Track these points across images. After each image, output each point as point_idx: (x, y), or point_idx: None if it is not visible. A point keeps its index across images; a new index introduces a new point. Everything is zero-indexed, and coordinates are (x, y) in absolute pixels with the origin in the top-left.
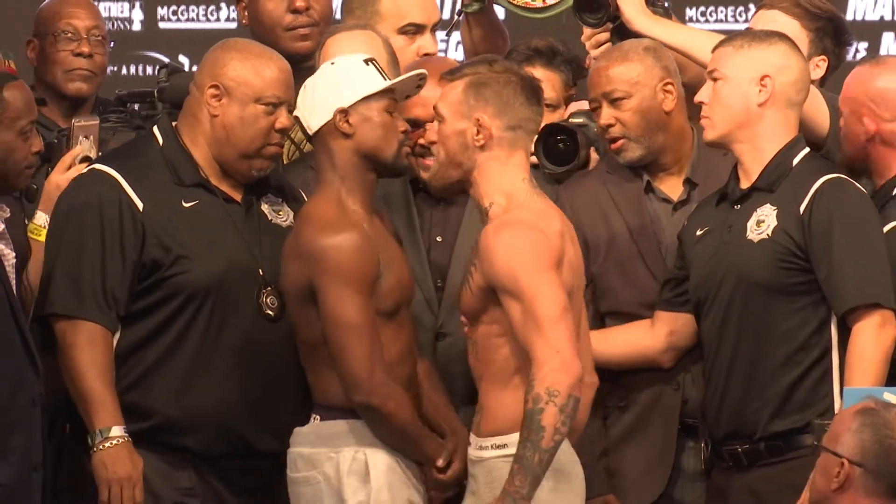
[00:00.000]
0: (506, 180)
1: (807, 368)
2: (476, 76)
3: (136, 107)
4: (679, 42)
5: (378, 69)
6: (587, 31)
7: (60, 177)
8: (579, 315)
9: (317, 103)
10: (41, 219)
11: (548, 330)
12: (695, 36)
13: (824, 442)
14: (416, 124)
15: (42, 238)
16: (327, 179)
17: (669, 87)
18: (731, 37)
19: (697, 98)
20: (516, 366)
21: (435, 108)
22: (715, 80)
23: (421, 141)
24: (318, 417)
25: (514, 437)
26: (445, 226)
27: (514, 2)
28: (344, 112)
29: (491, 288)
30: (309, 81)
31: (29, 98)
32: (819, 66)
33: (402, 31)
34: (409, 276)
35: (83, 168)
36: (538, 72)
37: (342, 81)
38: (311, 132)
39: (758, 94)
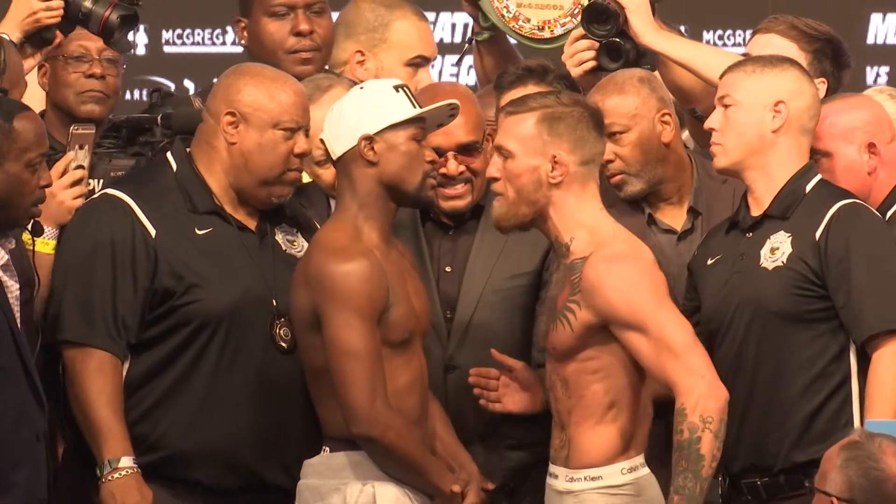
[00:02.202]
0: (584, 214)
1: (826, 397)
2: (547, 110)
3: (125, 131)
4: (687, 58)
5: (408, 96)
6: (568, 49)
7: (54, 184)
8: None
9: (342, 128)
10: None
11: (686, 357)
12: (703, 52)
13: (816, 481)
14: (437, 153)
15: (46, 250)
16: (345, 205)
17: (667, 118)
18: (740, 62)
19: (708, 124)
20: (611, 400)
21: (498, 142)
22: (726, 106)
23: (442, 171)
24: (327, 449)
25: (608, 470)
26: (454, 256)
27: (522, 33)
28: (369, 139)
29: (598, 325)
30: (336, 104)
31: (40, 130)
32: (818, 89)
33: (411, 62)
34: (425, 307)
35: (77, 175)
36: (532, 89)
37: (370, 107)
38: (334, 157)
39: (772, 121)
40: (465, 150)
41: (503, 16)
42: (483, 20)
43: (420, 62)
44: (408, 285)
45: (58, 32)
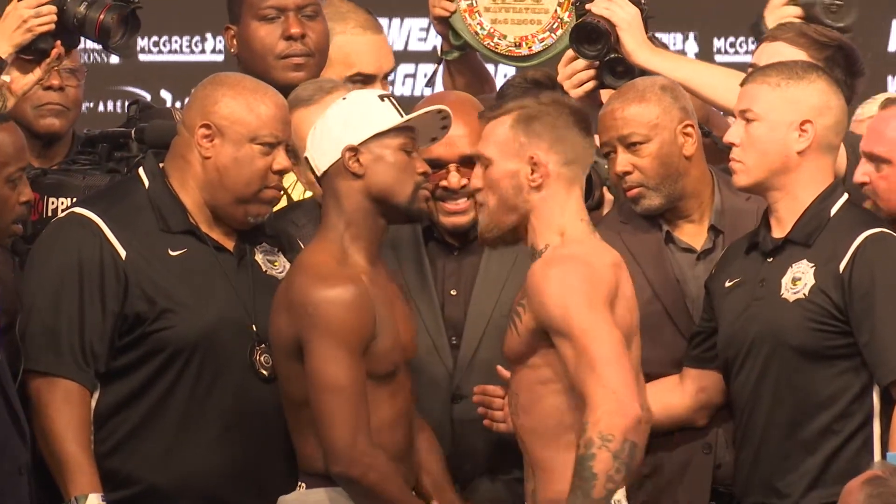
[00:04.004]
0: (565, 219)
1: (847, 437)
2: (523, 110)
3: (102, 146)
4: (683, 77)
5: (395, 105)
6: (564, 70)
7: None
8: (637, 356)
9: (325, 141)
10: None
11: (601, 369)
12: (700, 70)
13: None
14: (439, 165)
15: None
16: (331, 224)
17: (689, 130)
18: (761, 72)
19: (727, 138)
20: (573, 420)
21: (477, 151)
22: (748, 120)
23: (443, 183)
24: (303, 485)
25: None
26: (460, 278)
27: (498, 51)
28: (354, 150)
29: (541, 329)
30: (319, 119)
31: (19, 142)
32: (844, 100)
33: (351, 80)
34: (411, 335)
35: None
36: None
37: (353, 117)
38: (318, 172)
39: (797, 140)
40: (468, 162)
41: (477, 33)
42: (455, 38)
43: (361, 79)
44: (395, 312)
45: (58, 44)
